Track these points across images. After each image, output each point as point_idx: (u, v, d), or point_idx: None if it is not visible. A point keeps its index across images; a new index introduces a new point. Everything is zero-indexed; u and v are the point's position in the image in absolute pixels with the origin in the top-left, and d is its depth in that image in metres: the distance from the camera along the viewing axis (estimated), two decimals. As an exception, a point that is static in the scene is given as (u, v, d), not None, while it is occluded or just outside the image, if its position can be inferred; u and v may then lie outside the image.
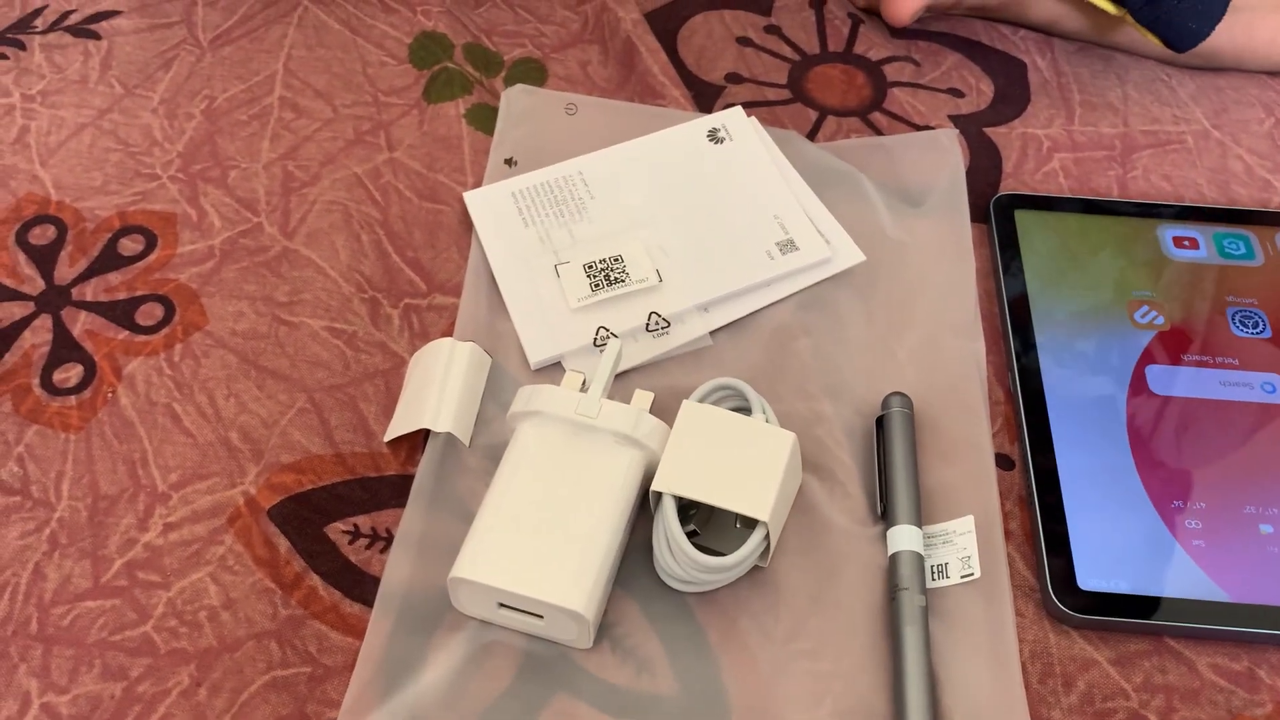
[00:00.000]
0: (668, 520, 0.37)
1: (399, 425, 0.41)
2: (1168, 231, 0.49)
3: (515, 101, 0.52)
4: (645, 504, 0.39)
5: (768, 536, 0.37)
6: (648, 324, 0.44)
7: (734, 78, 0.55)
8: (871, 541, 0.39)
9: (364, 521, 0.40)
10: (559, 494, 0.37)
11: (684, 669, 0.37)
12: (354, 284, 0.46)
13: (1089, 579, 0.38)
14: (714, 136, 0.50)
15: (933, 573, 0.39)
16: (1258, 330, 0.45)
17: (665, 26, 0.56)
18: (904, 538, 0.38)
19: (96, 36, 0.54)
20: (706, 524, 0.39)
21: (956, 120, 0.53)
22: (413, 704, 0.35)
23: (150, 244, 0.47)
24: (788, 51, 0.56)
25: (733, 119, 0.51)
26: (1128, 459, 0.41)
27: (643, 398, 0.40)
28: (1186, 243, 0.48)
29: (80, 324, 0.44)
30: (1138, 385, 0.43)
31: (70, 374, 0.43)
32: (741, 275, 0.46)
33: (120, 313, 0.45)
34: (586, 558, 0.36)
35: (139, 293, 0.45)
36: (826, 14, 0.58)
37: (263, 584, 0.38)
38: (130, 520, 0.39)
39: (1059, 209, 0.49)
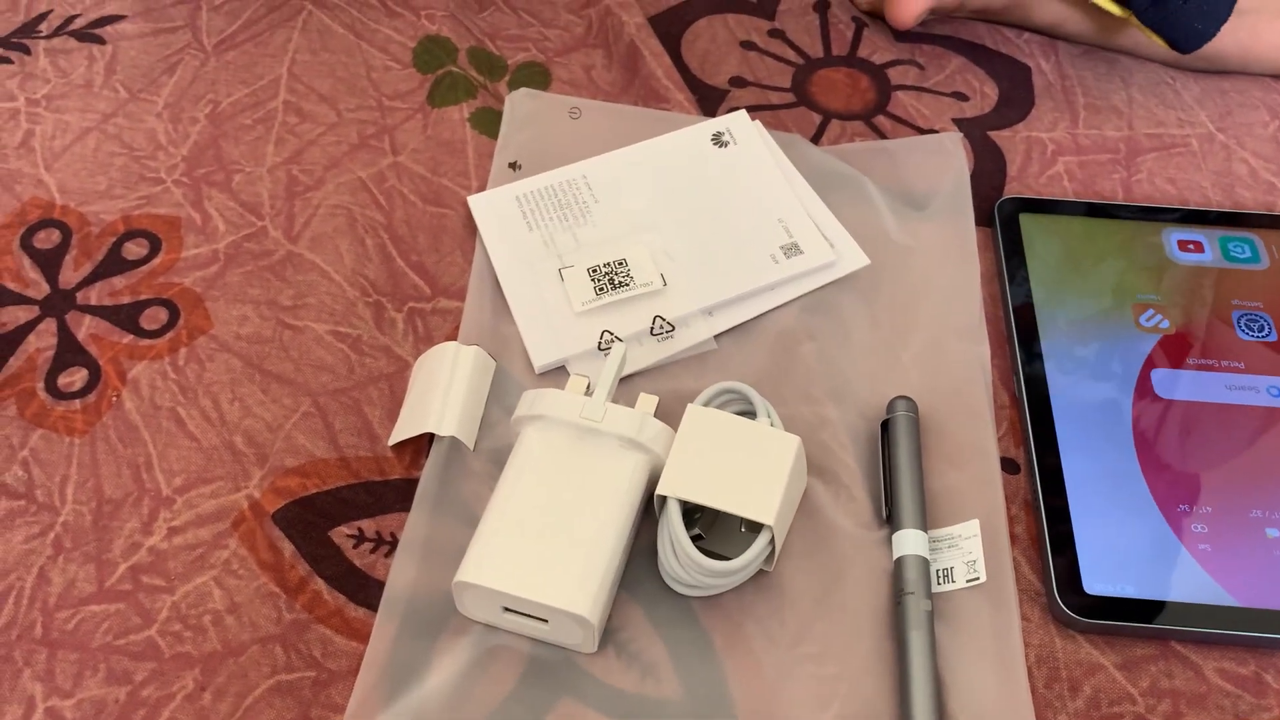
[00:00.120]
0: (673, 524, 0.37)
1: (403, 429, 0.41)
2: (1172, 235, 0.49)
3: (519, 105, 0.52)
4: (650, 508, 0.39)
5: (772, 540, 0.37)
6: (652, 328, 0.44)
7: (738, 81, 0.55)
8: (877, 545, 0.39)
9: (368, 525, 0.40)
10: (564, 498, 0.37)
11: (689, 673, 0.37)
12: (358, 288, 0.46)
13: (1095, 583, 0.38)
14: (718, 140, 0.50)
15: (938, 577, 0.39)
16: (1263, 334, 0.45)
17: (669, 30, 0.56)
18: (909, 542, 0.38)
19: (101, 41, 0.55)
20: (711, 528, 0.39)
21: (961, 124, 0.53)
22: (417, 708, 0.35)
23: (155, 248, 0.47)
24: (792, 55, 0.56)
25: (737, 123, 0.51)
26: (1133, 463, 0.41)
27: (647, 401, 0.40)
28: (1191, 246, 0.48)
29: (85, 328, 0.44)
30: (1143, 389, 0.43)
31: (75, 378, 0.43)
32: (746, 279, 0.46)
33: (125, 317, 0.45)
34: (591, 562, 0.36)
35: (143, 297, 0.45)
36: (830, 18, 0.58)
37: (267, 588, 0.38)
38: (135, 524, 0.39)
39: (1064, 212, 0.49)
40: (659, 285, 0.45)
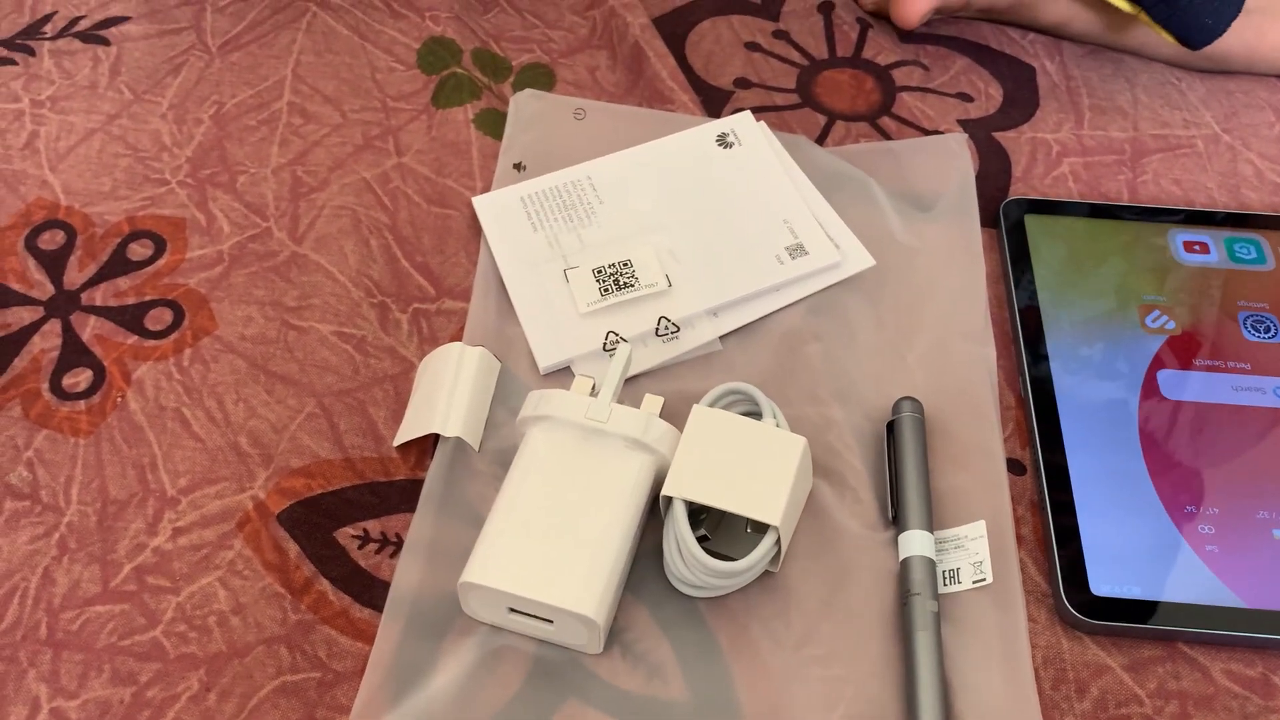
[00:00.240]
0: (678, 525, 0.37)
1: (408, 430, 0.41)
2: (1178, 236, 0.49)
3: (524, 106, 0.52)
4: (655, 509, 0.39)
5: (779, 541, 0.37)
6: (657, 329, 0.44)
7: (742, 83, 0.55)
8: (883, 546, 0.39)
9: (373, 526, 0.40)
10: (569, 499, 0.37)
11: (695, 675, 0.36)
12: (363, 289, 0.46)
13: (1102, 584, 0.38)
14: (723, 141, 0.50)
15: (944, 578, 0.38)
16: (1270, 334, 0.45)
17: (673, 32, 0.56)
18: (915, 543, 0.38)
19: (106, 42, 0.55)
20: (717, 529, 0.39)
21: (965, 125, 0.53)
22: (423, 709, 0.35)
23: (159, 249, 0.47)
24: (796, 56, 0.56)
25: (741, 124, 0.51)
26: (1140, 464, 0.41)
27: (653, 402, 0.40)
28: (1197, 247, 0.48)
29: (90, 329, 0.44)
30: (1149, 390, 0.43)
31: (80, 379, 0.43)
32: (751, 280, 0.46)
33: (129, 318, 0.45)
34: (597, 562, 0.36)
35: (148, 298, 0.45)
36: (835, 19, 0.58)
37: (272, 589, 0.38)
38: (139, 525, 0.39)
39: (1069, 213, 0.49)
40: (664, 286, 0.45)
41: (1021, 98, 0.55)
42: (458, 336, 0.45)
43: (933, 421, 0.42)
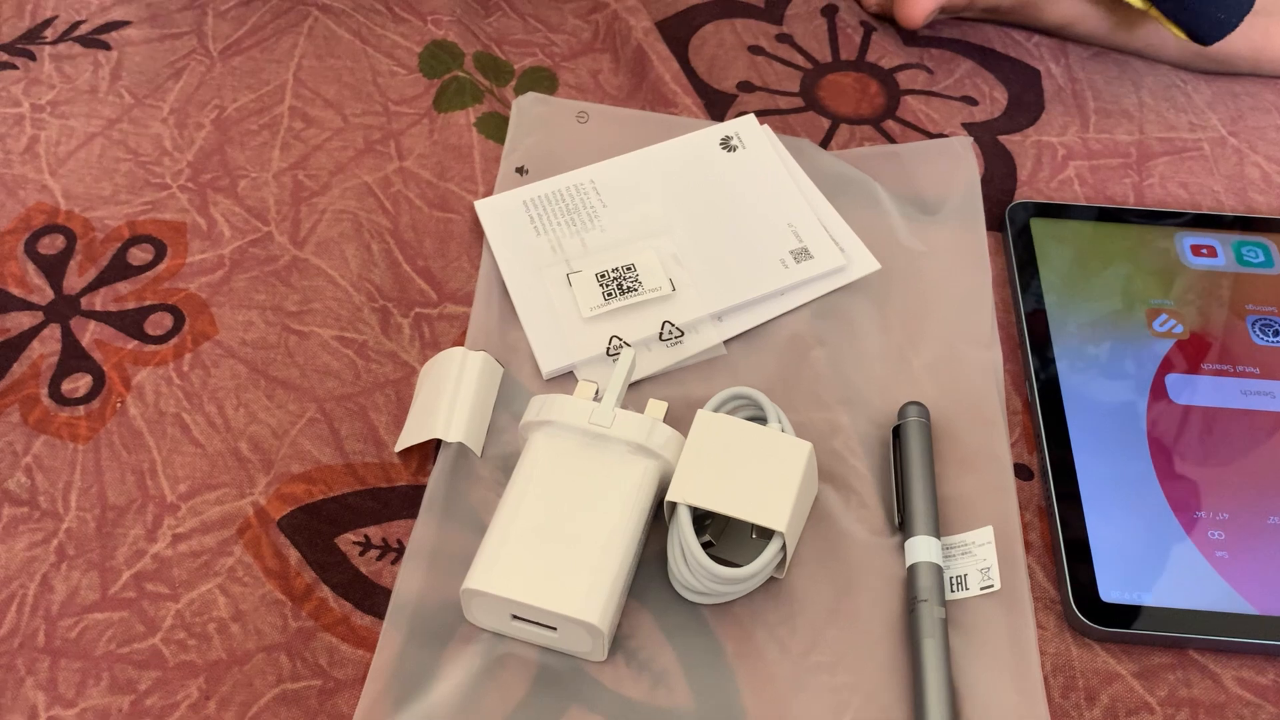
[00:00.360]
0: (683, 531, 0.36)
1: (410, 435, 0.41)
2: (1185, 239, 0.48)
3: (526, 110, 0.52)
4: (660, 514, 0.39)
5: (784, 547, 0.37)
6: (661, 333, 0.44)
7: (746, 86, 0.54)
8: (889, 552, 0.39)
9: (375, 532, 0.39)
10: (572, 504, 0.37)
11: (700, 682, 0.36)
12: (364, 293, 0.46)
13: (1111, 591, 0.38)
14: (727, 145, 0.50)
15: (952, 584, 0.38)
16: (1278, 338, 0.45)
17: (676, 35, 0.56)
18: (922, 549, 0.38)
19: (106, 47, 0.54)
20: (722, 534, 0.38)
21: (970, 128, 0.53)
22: (425, 718, 0.35)
23: (160, 253, 0.47)
24: (800, 60, 0.56)
25: (745, 127, 0.50)
26: (1148, 469, 0.41)
27: (656, 407, 0.40)
28: (1204, 250, 0.48)
29: (89, 334, 0.44)
30: (1157, 394, 0.43)
31: (79, 384, 0.43)
32: (755, 284, 0.45)
33: (129, 322, 0.44)
34: (600, 569, 0.35)
35: (148, 302, 0.45)
36: (838, 22, 0.57)
37: (273, 595, 0.38)
38: (139, 531, 0.39)
39: (1075, 217, 0.49)
40: (668, 290, 0.45)
41: (1027, 101, 0.54)
42: (460, 341, 0.44)
43: (939, 426, 0.42)
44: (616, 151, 0.50)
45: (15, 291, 0.45)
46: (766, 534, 0.37)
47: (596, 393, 0.40)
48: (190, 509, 0.40)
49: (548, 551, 0.36)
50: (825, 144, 0.52)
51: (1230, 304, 0.46)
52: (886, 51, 0.56)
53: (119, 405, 0.42)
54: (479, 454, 0.41)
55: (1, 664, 0.36)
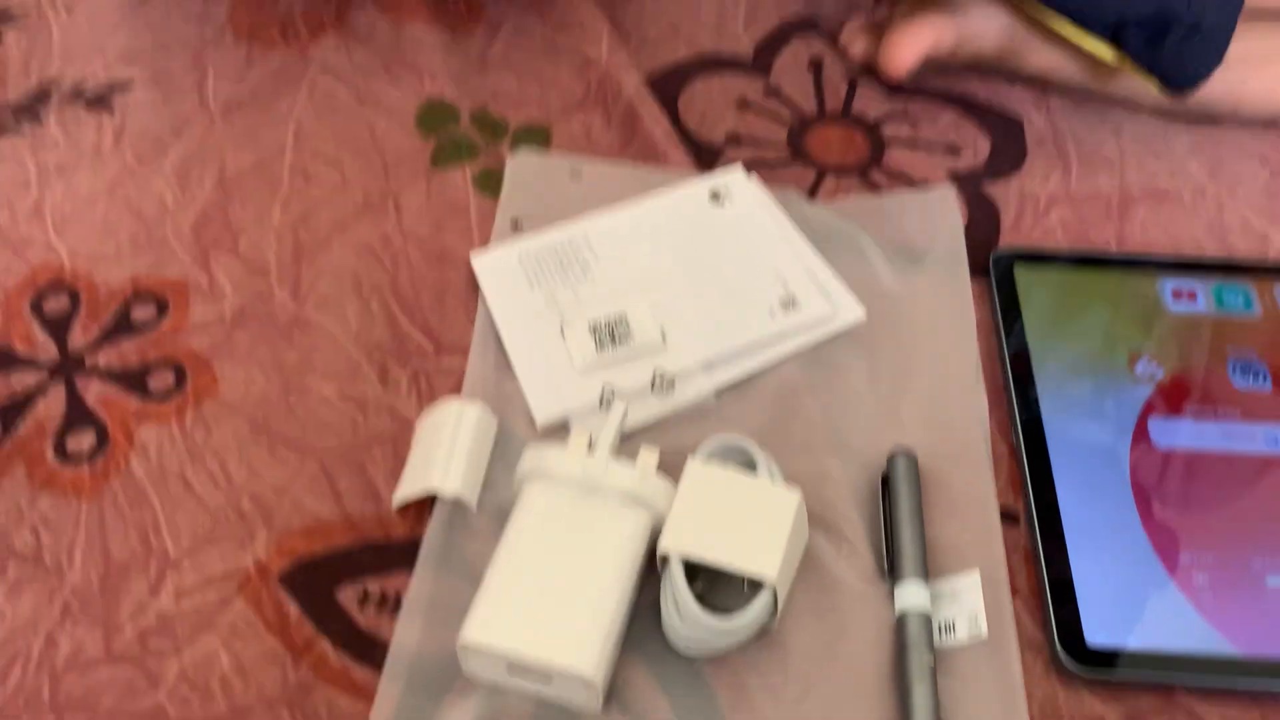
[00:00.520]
0: (675, 582, 0.37)
1: (407, 488, 0.42)
2: (1166, 284, 0.49)
3: (521, 166, 0.53)
4: (652, 563, 0.40)
5: (775, 596, 0.37)
6: (653, 383, 0.45)
7: (734, 139, 0.56)
8: (879, 599, 0.40)
9: (373, 586, 0.40)
10: (566, 556, 0.37)
11: (693, 731, 0.37)
12: (363, 348, 0.47)
13: (1096, 634, 0.38)
14: (715, 197, 0.51)
15: (940, 629, 0.39)
16: (1259, 382, 0.46)
17: (666, 90, 0.57)
18: (911, 595, 0.38)
19: (110, 108, 0.56)
20: (714, 583, 0.39)
21: (954, 177, 0.54)
22: (423, 770, 0.35)
23: (162, 311, 0.48)
24: (786, 113, 0.57)
25: (733, 180, 0.52)
26: (1132, 512, 0.42)
27: (648, 456, 0.41)
28: (1185, 295, 0.49)
29: (93, 391, 0.45)
30: (1140, 438, 0.44)
31: (83, 441, 0.44)
32: (744, 333, 0.46)
33: (133, 380, 0.45)
34: (594, 621, 0.36)
35: (151, 360, 0.46)
36: (824, 75, 0.59)
37: (273, 650, 0.38)
38: (142, 587, 0.40)
39: (1058, 263, 0.50)
40: (658, 340, 0.46)
41: (1009, 149, 0.56)
42: (457, 393, 0.45)
43: (926, 472, 0.43)
44: (609, 205, 0.51)
45: (21, 350, 0.46)
46: (758, 583, 0.38)
47: (589, 443, 0.41)
48: (193, 564, 0.40)
49: (542, 604, 0.36)
50: (812, 194, 0.53)
51: (1211, 348, 0.47)
52: (871, 103, 0.57)
53: (122, 462, 0.43)
54: (474, 506, 0.41)
55: (7, 721, 0.37)
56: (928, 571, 0.40)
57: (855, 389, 0.45)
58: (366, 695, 0.37)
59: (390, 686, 0.37)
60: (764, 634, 0.39)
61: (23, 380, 0.45)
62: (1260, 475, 0.43)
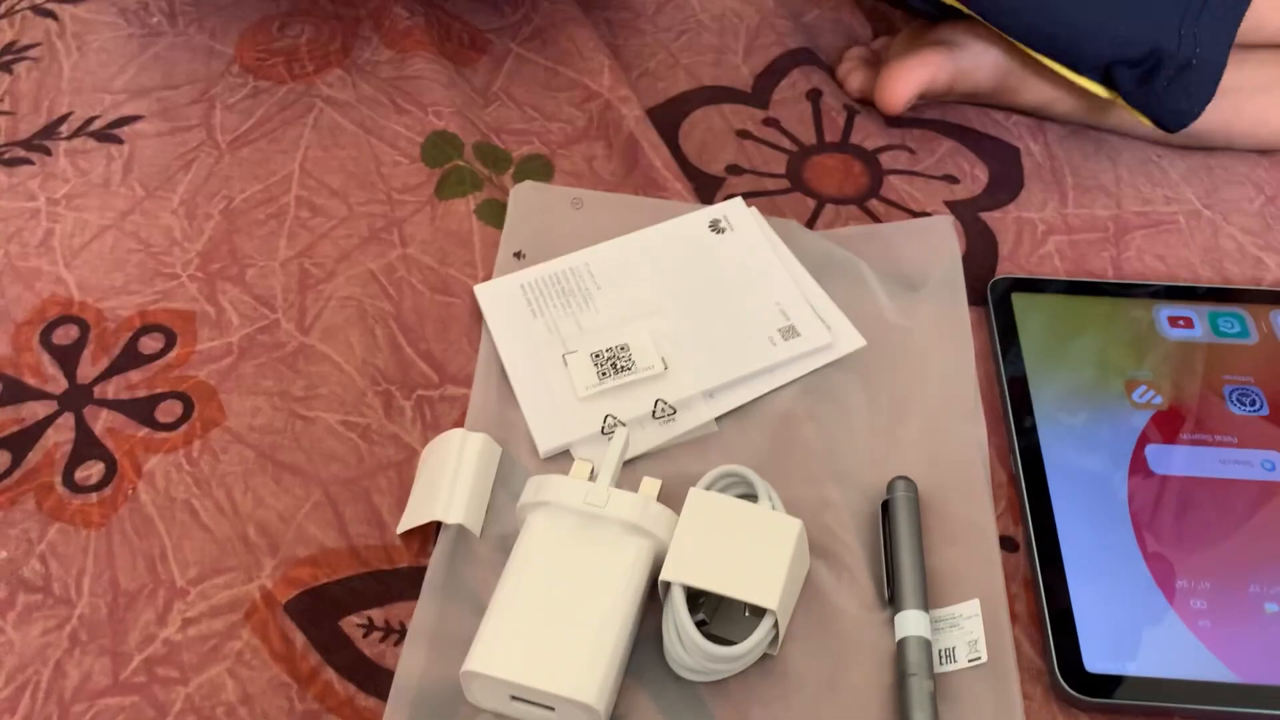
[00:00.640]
0: (677, 610, 0.37)
1: (411, 517, 0.42)
2: (1163, 311, 0.50)
3: (523, 197, 0.54)
4: (655, 592, 0.40)
5: (776, 624, 0.38)
6: (654, 411, 0.45)
7: (734, 169, 0.56)
8: (880, 626, 0.40)
9: (378, 615, 0.40)
10: (569, 585, 0.38)
11: (696, 759, 0.37)
12: (368, 377, 0.47)
13: (1096, 661, 0.39)
14: (715, 227, 0.52)
15: (940, 657, 0.39)
16: (1255, 408, 0.46)
17: (667, 121, 0.58)
18: (911, 623, 0.39)
19: (119, 141, 0.57)
20: (716, 612, 0.39)
21: (952, 206, 0.55)
22: (427, 798, 0.36)
23: (170, 342, 0.48)
24: (786, 143, 0.58)
25: (733, 209, 0.52)
26: (1130, 539, 0.42)
27: (650, 485, 0.41)
28: (1181, 322, 0.49)
29: (101, 422, 0.46)
30: (1138, 465, 0.44)
31: (92, 471, 0.44)
32: (745, 362, 0.47)
33: (140, 410, 0.46)
34: (597, 649, 0.36)
35: (159, 390, 0.47)
36: (823, 106, 0.59)
37: (279, 678, 0.39)
38: (149, 616, 0.40)
39: (1055, 291, 0.50)
40: (660, 369, 0.46)
41: (1007, 178, 0.56)
42: (460, 422, 0.46)
43: (926, 500, 0.43)
44: (610, 235, 0.52)
45: (31, 381, 0.47)
46: (760, 610, 0.38)
47: (592, 472, 0.41)
48: (199, 593, 0.41)
49: (545, 633, 0.37)
50: (811, 224, 0.54)
51: (1207, 374, 0.47)
52: (870, 133, 0.58)
53: (130, 492, 0.43)
54: (478, 534, 0.42)
55: (15, 750, 0.37)
56: (928, 599, 0.40)
57: (855, 417, 0.46)
58: (371, 724, 0.38)
59: (395, 715, 0.37)
60: (765, 661, 0.39)
61: (32, 411, 0.46)
62: (1258, 501, 0.43)
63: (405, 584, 0.41)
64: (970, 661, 0.39)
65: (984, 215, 0.54)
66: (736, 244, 0.51)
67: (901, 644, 0.39)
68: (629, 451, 0.44)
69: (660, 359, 0.47)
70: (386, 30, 0.62)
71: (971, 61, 0.56)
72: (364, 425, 0.46)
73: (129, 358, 0.48)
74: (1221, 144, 0.57)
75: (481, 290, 0.50)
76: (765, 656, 0.39)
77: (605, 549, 0.39)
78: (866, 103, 0.60)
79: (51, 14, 0.63)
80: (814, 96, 0.60)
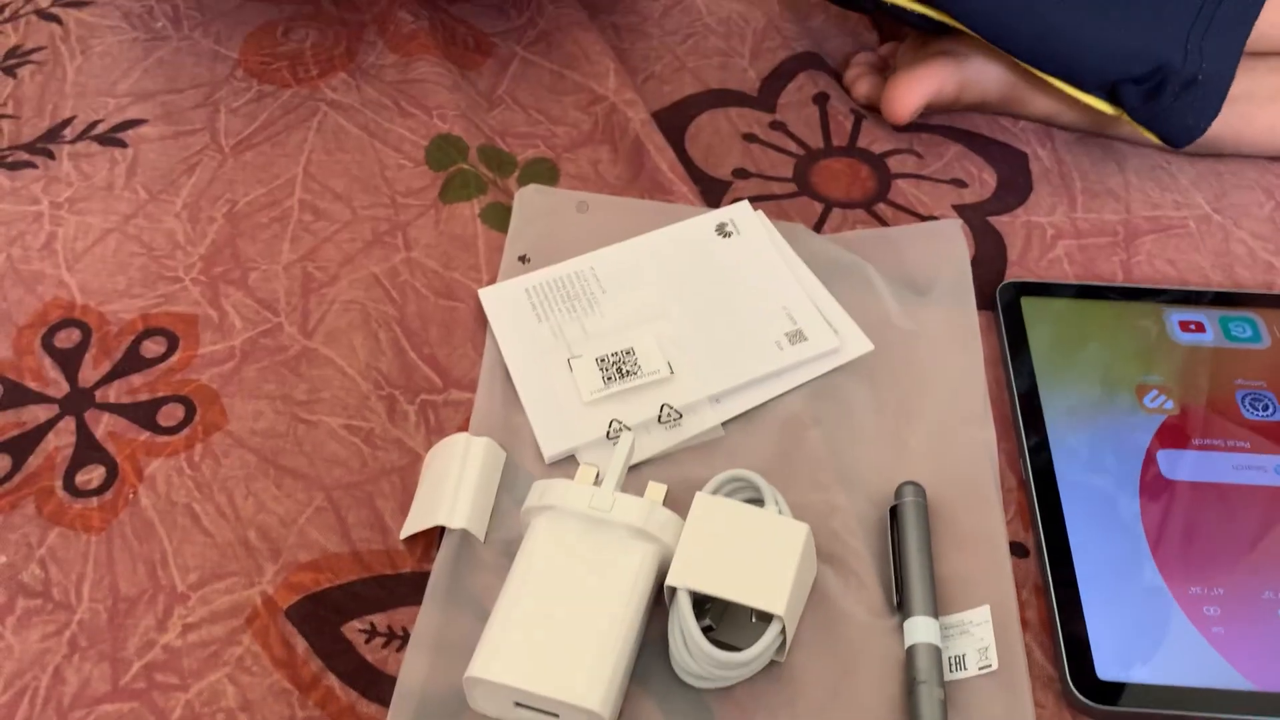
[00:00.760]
0: (683, 616, 0.37)
1: (415, 522, 0.42)
2: (1173, 316, 0.49)
3: (528, 200, 0.53)
4: (660, 597, 0.40)
5: (784, 630, 0.37)
6: (660, 415, 0.45)
7: (741, 173, 0.56)
8: (888, 633, 0.39)
9: (380, 620, 0.40)
10: (574, 590, 0.37)
11: (702, 767, 0.36)
12: (371, 381, 0.47)
13: (1108, 668, 0.38)
14: (722, 230, 0.51)
15: (950, 664, 0.38)
16: (1268, 412, 0.46)
17: (673, 125, 0.58)
18: (920, 630, 0.38)
19: (123, 144, 0.56)
20: (722, 617, 0.39)
21: (960, 210, 0.54)
22: (429, 806, 0.35)
23: (172, 345, 0.48)
24: (793, 147, 0.57)
25: (740, 213, 0.52)
26: (1142, 545, 0.41)
27: (656, 490, 0.41)
28: (1193, 326, 0.49)
29: (103, 426, 0.45)
30: (1149, 470, 0.44)
31: (93, 475, 0.44)
32: (751, 366, 0.46)
33: (142, 414, 0.46)
34: (602, 655, 0.36)
35: (160, 394, 0.46)
36: (830, 110, 0.59)
37: (280, 685, 0.38)
38: (149, 621, 0.40)
39: (1064, 295, 0.50)
40: (666, 373, 0.46)
41: (1015, 182, 0.56)
42: (464, 427, 0.45)
43: (935, 505, 0.43)
44: (616, 239, 0.51)
45: (32, 385, 0.47)
46: (767, 616, 0.38)
47: (597, 476, 0.41)
48: (200, 598, 0.40)
49: (550, 638, 0.36)
50: (818, 228, 0.53)
51: (1219, 379, 0.47)
52: (877, 137, 0.58)
53: (131, 496, 0.43)
54: (482, 539, 0.41)
55: (13, 757, 0.37)
56: (937, 605, 0.39)
57: (863, 422, 0.45)
58: (373, 731, 0.37)
59: (397, 722, 0.37)
60: (772, 668, 0.38)
61: (33, 415, 0.46)
62: (1270, 507, 0.42)
63: (408, 589, 0.41)
64: (981, 669, 0.38)
65: (992, 219, 0.54)
66: (743, 248, 0.51)
67: (911, 651, 0.38)
68: (634, 456, 0.43)
69: (666, 363, 0.46)
70: (391, 34, 0.62)
71: (978, 73, 0.56)
72: (367, 429, 0.45)
73: (131, 361, 0.47)
74: (1231, 151, 0.57)
75: (486, 294, 0.49)
76: (772, 663, 0.39)
77: (610, 554, 0.38)
78: (873, 109, 0.59)
79: (56, 18, 0.63)
80: (821, 100, 0.60)
